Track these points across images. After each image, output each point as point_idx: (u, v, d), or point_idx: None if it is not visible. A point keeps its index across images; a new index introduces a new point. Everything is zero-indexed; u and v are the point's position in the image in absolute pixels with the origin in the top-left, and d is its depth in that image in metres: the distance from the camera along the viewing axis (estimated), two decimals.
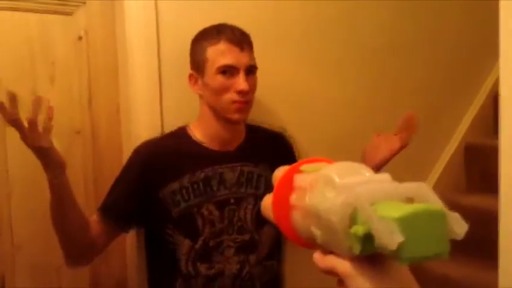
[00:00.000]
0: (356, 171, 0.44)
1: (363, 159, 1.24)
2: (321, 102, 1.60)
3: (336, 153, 1.58)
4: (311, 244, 0.46)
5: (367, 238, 0.38)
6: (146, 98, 1.32)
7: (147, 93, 1.32)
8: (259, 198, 1.24)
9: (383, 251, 0.37)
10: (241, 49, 1.17)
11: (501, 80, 0.92)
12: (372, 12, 1.68)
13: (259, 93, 1.26)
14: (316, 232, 0.43)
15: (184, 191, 1.18)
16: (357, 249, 0.39)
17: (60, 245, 1.13)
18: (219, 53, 1.16)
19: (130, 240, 1.36)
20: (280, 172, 0.52)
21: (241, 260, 1.20)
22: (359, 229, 0.38)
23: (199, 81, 1.21)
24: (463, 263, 1.66)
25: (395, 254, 0.36)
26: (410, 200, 0.40)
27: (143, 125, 1.32)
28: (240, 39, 1.18)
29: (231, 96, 1.16)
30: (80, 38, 1.33)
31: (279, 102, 1.51)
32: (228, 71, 1.16)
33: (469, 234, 0.40)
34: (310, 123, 1.58)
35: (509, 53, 0.91)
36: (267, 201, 0.52)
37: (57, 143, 1.28)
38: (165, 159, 1.19)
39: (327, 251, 0.44)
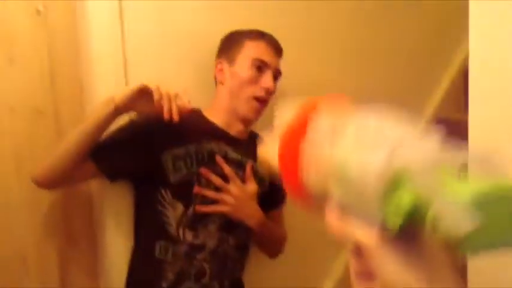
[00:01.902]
0: (394, 122, 0.35)
1: None
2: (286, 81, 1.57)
3: None
4: (320, 203, 0.39)
5: (411, 210, 0.30)
6: (111, 76, 1.26)
7: (111, 71, 1.27)
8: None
9: (438, 236, 0.29)
10: (276, 53, 1.28)
11: (470, 56, 0.92)
12: None
13: None
14: (336, 191, 0.36)
15: (188, 158, 1.19)
16: (396, 223, 0.30)
17: (53, 163, 1.13)
18: (257, 48, 1.25)
19: (100, 230, 1.33)
20: (288, 109, 0.43)
21: (221, 237, 1.21)
22: (405, 198, 0.29)
23: (227, 70, 1.26)
24: None
25: (458, 242, 0.28)
26: (465, 167, 0.31)
27: None
28: (277, 44, 1.30)
29: (255, 90, 1.23)
30: (39, 12, 1.25)
31: None
32: (260, 66, 1.24)
33: None
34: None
35: (478, 27, 0.90)
36: (270, 145, 0.43)
37: (20, 123, 1.23)
38: (176, 124, 1.17)
39: (344, 212, 0.36)
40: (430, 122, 1.96)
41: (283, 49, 1.33)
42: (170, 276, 1.17)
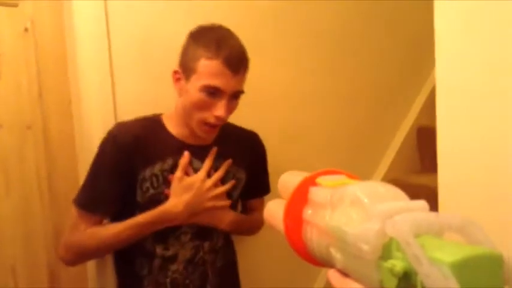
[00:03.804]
0: (386, 194, 0.40)
1: None
2: (273, 94, 1.61)
3: (292, 145, 1.62)
4: (323, 263, 0.43)
5: (404, 275, 0.34)
6: (98, 89, 1.30)
7: (98, 84, 1.30)
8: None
9: None
10: (235, 73, 1.11)
11: (437, 67, 0.96)
12: (329, 4, 1.69)
13: None
14: (336, 255, 0.40)
15: (154, 179, 1.17)
16: (392, 285, 0.34)
17: (85, 256, 1.22)
18: (210, 72, 1.09)
19: None
20: (290, 179, 0.48)
21: (196, 245, 1.22)
22: (397, 266, 0.33)
23: (182, 82, 1.15)
24: None
25: None
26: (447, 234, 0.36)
27: (96, 117, 1.30)
28: (238, 62, 1.12)
29: (206, 116, 1.13)
30: (26, 29, 1.29)
31: None
32: (213, 92, 1.10)
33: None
34: (266, 116, 1.58)
35: (444, 41, 0.95)
36: (274, 209, 0.49)
37: (8, 138, 1.27)
38: (139, 144, 1.15)
39: (346, 273, 0.40)
40: (412, 130, 2.00)
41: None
42: None
